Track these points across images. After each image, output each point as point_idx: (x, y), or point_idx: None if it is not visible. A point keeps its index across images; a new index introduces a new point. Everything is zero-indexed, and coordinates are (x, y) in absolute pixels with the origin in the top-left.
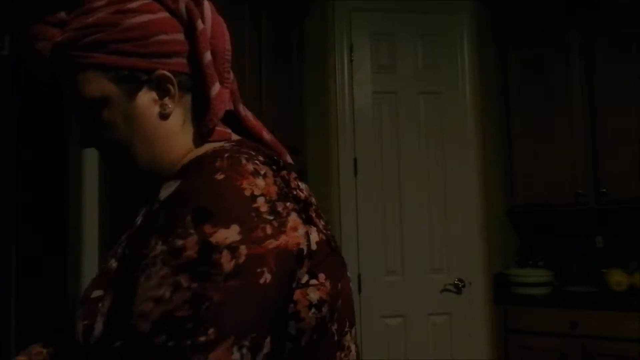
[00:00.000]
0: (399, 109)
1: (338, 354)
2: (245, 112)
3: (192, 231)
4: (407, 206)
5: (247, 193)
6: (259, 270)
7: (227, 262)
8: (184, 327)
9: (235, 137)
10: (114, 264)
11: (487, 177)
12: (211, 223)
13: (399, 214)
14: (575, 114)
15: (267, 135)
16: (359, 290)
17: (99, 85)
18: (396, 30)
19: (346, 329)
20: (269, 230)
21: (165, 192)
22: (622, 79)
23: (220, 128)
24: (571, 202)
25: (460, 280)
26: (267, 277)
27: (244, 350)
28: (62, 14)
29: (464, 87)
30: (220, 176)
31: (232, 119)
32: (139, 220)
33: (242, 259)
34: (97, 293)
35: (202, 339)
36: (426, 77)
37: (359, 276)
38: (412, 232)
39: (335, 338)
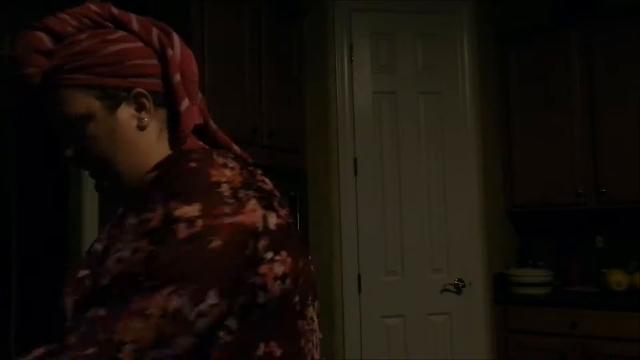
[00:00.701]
0: (399, 109)
1: (300, 322)
2: (215, 126)
3: (159, 206)
4: (407, 206)
5: (213, 180)
6: (210, 238)
7: (182, 231)
8: (135, 279)
9: (207, 147)
10: (99, 246)
11: (487, 177)
12: (177, 201)
13: (399, 214)
14: (575, 114)
15: (235, 147)
16: (359, 291)
17: (85, 102)
18: (396, 30)
19: (309, 302)
20: (227, 209)
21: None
22: (622, 79)
23: (194, 139)
24: (571, 202)
25: (460, 280)
26: (218, 243)
27: (185, 299)
28: (50, 45)
29: (464, 87)
30: (192, 164)
31: (205, 135)
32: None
33: (197, 229)
34: (83, 272)
35: (147, 284)
36: (426, 77)
37: (359, 276)
38: (412, 232)
39: (298, 308)
